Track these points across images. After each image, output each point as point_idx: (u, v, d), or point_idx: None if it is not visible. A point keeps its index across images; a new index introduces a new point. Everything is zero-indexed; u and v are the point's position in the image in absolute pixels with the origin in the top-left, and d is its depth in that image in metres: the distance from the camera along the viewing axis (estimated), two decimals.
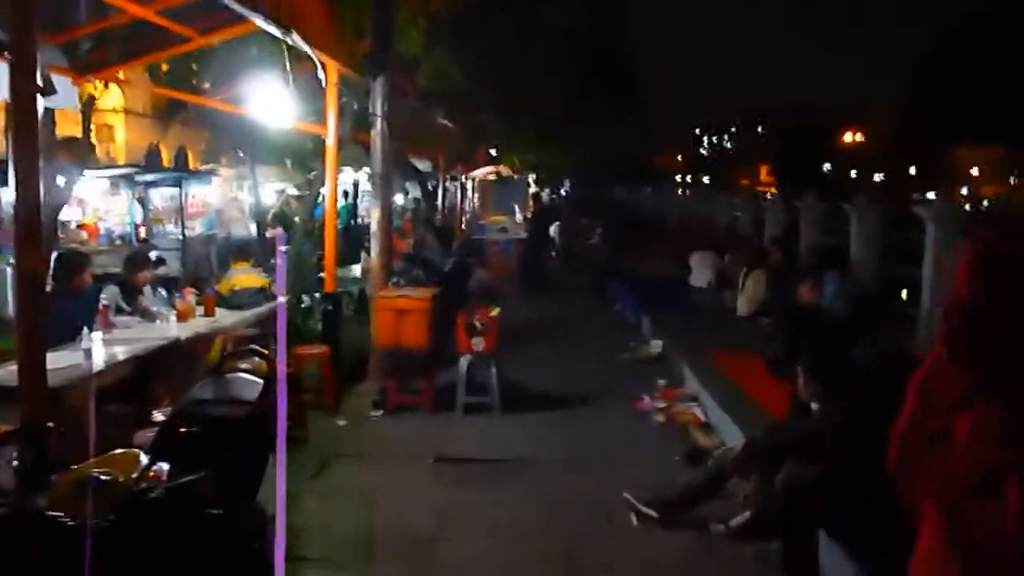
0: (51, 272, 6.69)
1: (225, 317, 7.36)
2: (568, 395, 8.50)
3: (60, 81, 8.19)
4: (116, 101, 31.86)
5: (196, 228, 16.31)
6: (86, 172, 12.51)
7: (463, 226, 18.09)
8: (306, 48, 6.45)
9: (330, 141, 8.15)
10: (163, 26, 7.12)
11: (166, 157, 28.13)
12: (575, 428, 7.51)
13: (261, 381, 4.24)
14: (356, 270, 11.82)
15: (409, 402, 7.86)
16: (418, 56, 10.57)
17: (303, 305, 9.70)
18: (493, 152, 20.46)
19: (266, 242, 14.56)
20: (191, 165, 26.59)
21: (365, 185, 16.52)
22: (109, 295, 7.12)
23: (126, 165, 13.97)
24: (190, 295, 7.30)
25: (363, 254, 11.81)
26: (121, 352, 5.72)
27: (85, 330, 5.19)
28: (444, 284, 9.81)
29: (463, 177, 19.95)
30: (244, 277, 7.96)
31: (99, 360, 5.48)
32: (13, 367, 3.80)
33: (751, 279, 11.37)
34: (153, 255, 13.10)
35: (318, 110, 8.32)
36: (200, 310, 7.32)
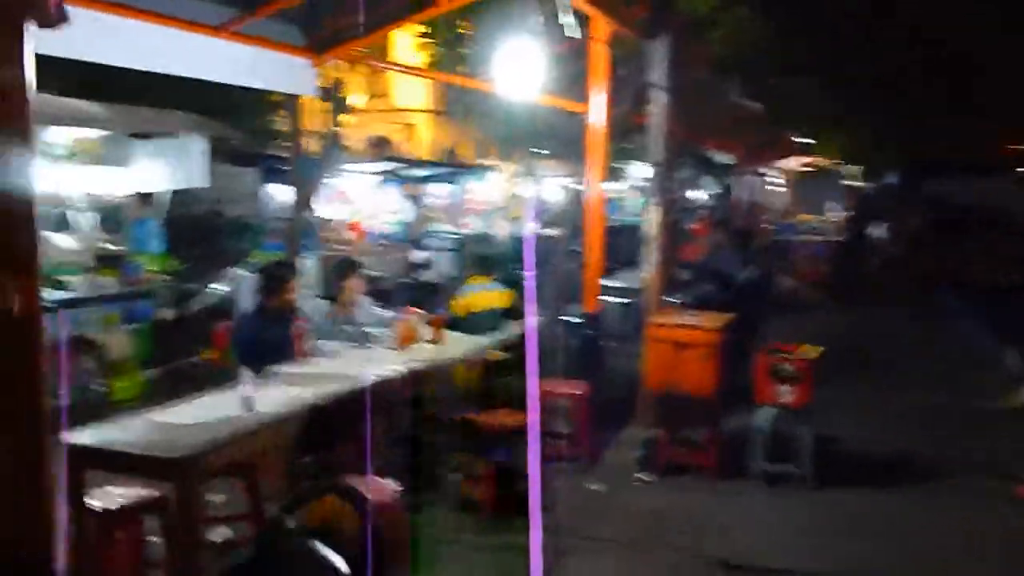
0: (257, 287, 5.57)
1: (455, 345, 5.87)
2: (909, 464, 6.16)
3: (298, 63, 7.22)
4: (419, 100, 32.79)
5: (472, 226, 15.37)
6: (346, 167, 11.88)
7: (765, 226, 15.74)
8: None
9: (595, 119, 6.42)
10: None
11: (467, 154, 27.98)
12: (923, 522, 5.21)
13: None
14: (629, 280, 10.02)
15: (687, 462, 5.95)
16: (710, 16, 8.52)
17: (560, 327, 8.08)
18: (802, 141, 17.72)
19: (544, 245, 13.25)
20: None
21: None
22: (313, 312, 5.88)
23: (393, 159, 13.18)
24: (413, 316, 5.86)
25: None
26: (294, 398, 4.33)
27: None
28: (739, 301, 7.72)
29: (766, 169, 17.47)
30: (482, 296, 6.41)
31: (267, 407, 4.11)
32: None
33: None
34: (421, 256, 12.31)
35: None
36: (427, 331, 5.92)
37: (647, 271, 6.80)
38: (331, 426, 4.83)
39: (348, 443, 5.08)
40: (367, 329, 5.81)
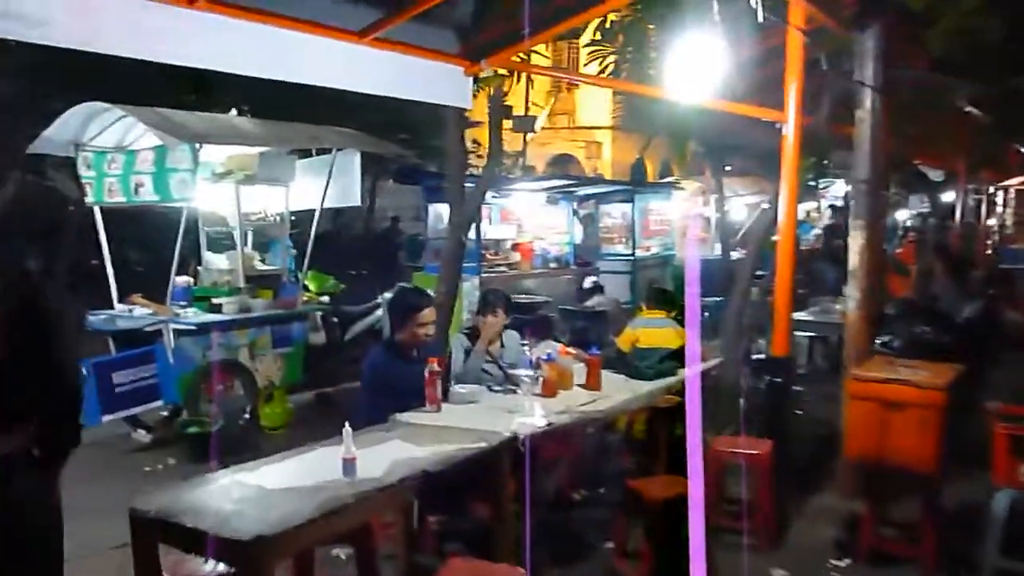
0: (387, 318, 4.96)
1: (615, 391, 5.00)
2: None
3: (450, 72, 6.61)
4: (603, 117, 32.10)
5: (652, 248, 14.39)
6: (513, 185, 11.24)
7: (986, 253, 13.81)
8: None
9: (789, 129, 5.40)
10: None
11: (651, 171, 26.93)
12: None
13: None
14: (825, 314, 8.76)
15: (897, 549, 4.80)
16: (930, 9, 7.21)
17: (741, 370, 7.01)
18: None
19: (725, 269, 12.10)
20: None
21: None
22: (454, 349, 5.20)
23: (564, 176, 12.46)
24: (565, 356, 5.05)
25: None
26: (408, 460, 3.59)
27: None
28: (961, 346, 6.40)
29: (990, 188, 15.42)
30: (653, 333, 5.51)
31: (372, 471, 3.41)
32: None
33: None
34: (589, 282, 11.49)
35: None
36: (580, 374, 5.09)
37: (847, 305, 5.68)
38: (454, 490, 4.11)
39: (475, 508, 4.36)
40: (513, 371, 5.05)
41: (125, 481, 6.26)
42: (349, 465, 3.37)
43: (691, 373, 4.79)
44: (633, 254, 13.10)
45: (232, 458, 4.67)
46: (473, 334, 5.38)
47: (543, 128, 28.02)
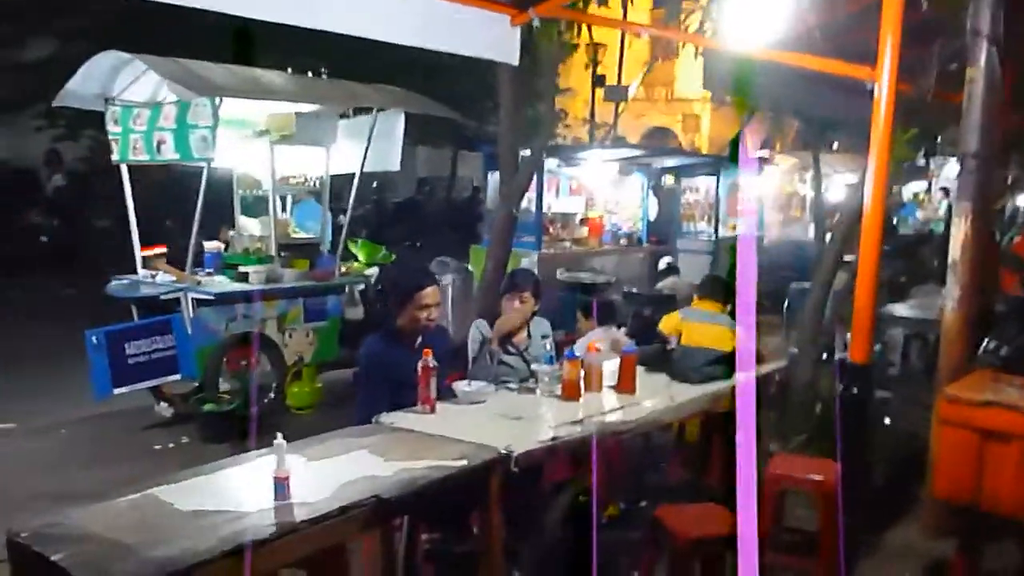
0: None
1: (651, 396, 4.22)
2: None
3: (494, 20, 5.88)
4: (698, 90, 30.72)
5: (738, 228, 13.35)
6: (585, 153, 10.37)
7: None
8: None
9: (882, 89, 4.47)
10: None
11: (751, 147, 25.50)
12: None
13: None
14: (920, 309, 7.68)
15: None
16: None
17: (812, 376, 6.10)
18: None
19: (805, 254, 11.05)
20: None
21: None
22: (472, 339, 4.51)
23: (637, 145, 11.53)
24: (597, 352, 4.27)
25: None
26: (365, 478, 2.91)
27: None
28: None
29: None
30: (704, 329, 4.67)
31: (312, 496, 2.75)
32: None
33: None
34: (663, 262, 10.59)
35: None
36: (611, 375, 4.32)
37: (946, 301, 4.71)
38: (426, 514, 3.43)
39: (457, 535, 3.67)
40: (537, 366, 4.32)
41: (127, 461, 5.85)
42: (280, 485, 2.71)
43: (744, 380, 3.99)
44: (716, 233, 12.11)
45: (247, 440, 4.18)
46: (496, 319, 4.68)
47: (638, 99, 26.93)
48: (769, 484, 4.17)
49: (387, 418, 3.65)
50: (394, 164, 7.55)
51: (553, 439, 3.43)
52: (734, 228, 13.26)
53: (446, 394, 3.99)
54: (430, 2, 5.31)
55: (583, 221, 10.64)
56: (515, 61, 6.01)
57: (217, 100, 6.13)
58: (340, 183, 8.06)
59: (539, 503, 3.78)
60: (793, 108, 10.57)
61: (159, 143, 6.52)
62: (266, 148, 7.09)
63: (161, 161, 6.65)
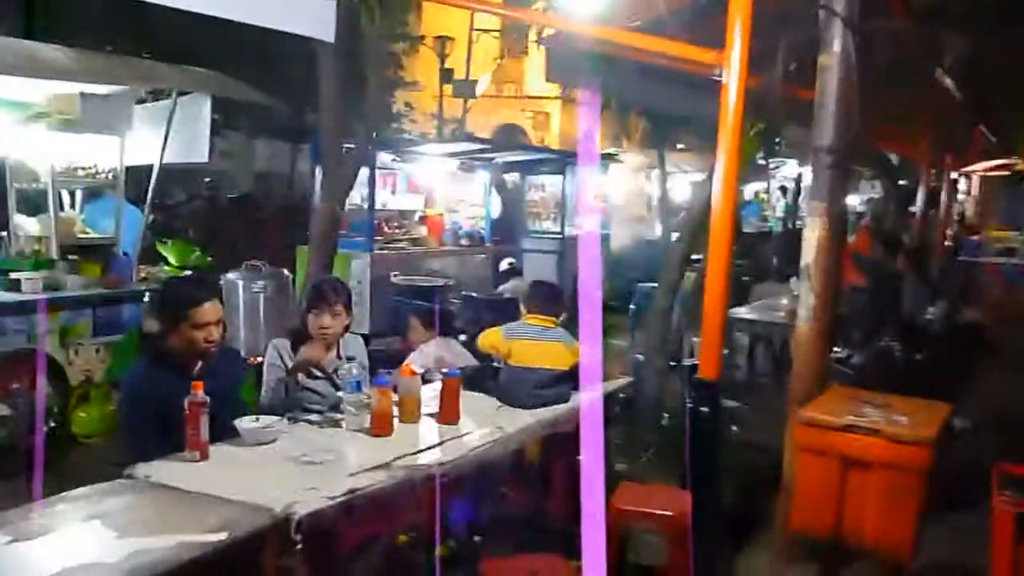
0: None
1: (480, 425, 3.63)
2: None
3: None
4: (549, 87, 30.53)
5: (583, 228, 13.04)
6: (421, 148, 9.71)
7: (945, 243, 12.67)
8: None
9: (730, 78, 4.05)
10: None
11: (601, 147, 25.44)
12: None
13: None
14: (766, 311, 7.44)
15: None
16: None
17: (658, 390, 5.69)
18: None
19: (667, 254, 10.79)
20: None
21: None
22: (270, 359, 3.81)
23: (476, 139, 10.95)
24: (411, 376, 3.64)
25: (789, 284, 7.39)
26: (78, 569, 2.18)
27: None
28: (934, 360, 5.17)
29: (952, 174, 14.28)
30: (536, 347, 4.11)
31: None
32: None
33: None
34: (505, 263, 10.08)
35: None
36: (433, 400, 3.70)
37: (798, 313, 4.33)
38: None
39: None
40: (344, 395, 3.64)
41: None
42: None
43: (588, 402, 3.47)
44: (562, 232, 11.71)
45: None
46: (302, 341, 3.97)
47: (488, 96, 26.52)
48: (616, 520, 3.67)
49: (144, 469, 2.90)
50: (200, 155, 6.67)
51: (350, 492, 2.78)
52: (580, 227, 12.95)
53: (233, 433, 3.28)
54: None
55: (422, 220, 9.97)
56: (330, 37, 5.25)
57: None
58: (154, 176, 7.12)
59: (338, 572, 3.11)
60: (638, 102, 10.31)
61: None
62: (45, 134, 6.10)
63: None
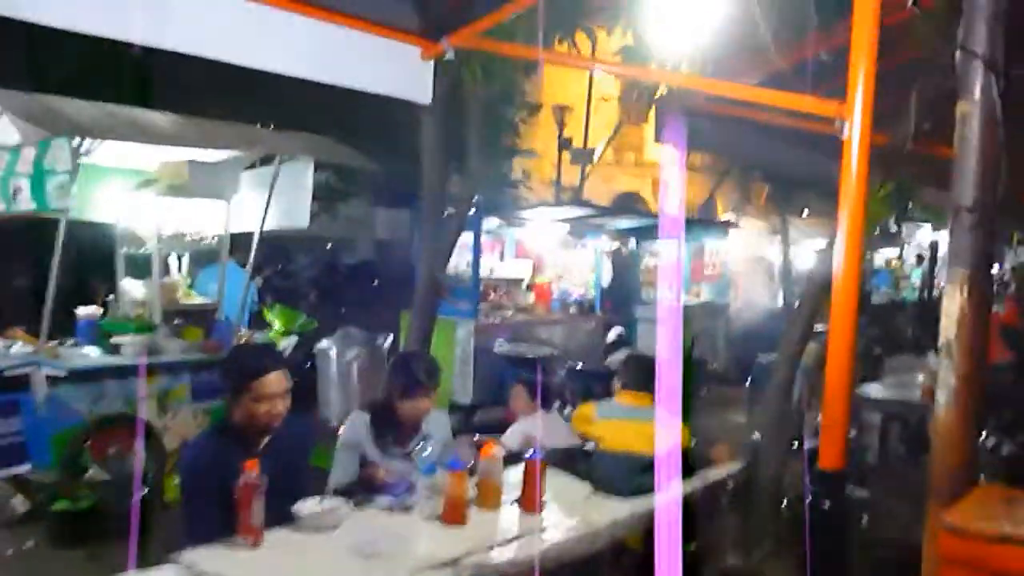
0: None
1: (569, 515, 3.24)
2: None
3: (402, 53, 5.05)
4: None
5: (703, 295, 12.54)
6: (527, 214, 9.46)
7: None
8: None
9: (853, 131, 3.64)
10: None
11: (721, 212, 24.82)
12: None
13: None
14: (898, 389, 6.76)
15: None
16: None
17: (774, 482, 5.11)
18: None
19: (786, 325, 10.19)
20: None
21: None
22: (346, 438, 3.55)
23: (585, 203, 10.61)
24: (492, 459, 3.30)
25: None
26: None
27: None
28: None
29: None
30: (631, 429, 3.72)
31: None
32: None
33: None
34: (613, 333, 9.65)
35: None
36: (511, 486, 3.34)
37: (939, 393, 3.78)
38: None
39: None
40: (417, 478, 3.34)
41: None
42: None
43: (665, 503, 3.05)
44: (680, 301, 11.21)
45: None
46: (382, 416, 3.70)
47: (606, 163, 26.37)
48: None
49: (192, 555, 2.66)
50: (302, 220, 6.62)
51: None
52: (698, 295, 12.47)
53: None
54: (326, 29, 4.50)
55: (529, 287, 9.71)
56: (426, 99, 5.16)
57: (78, 141, 5.20)
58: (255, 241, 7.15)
59: None
60: (756, 163, 9.86)
61: (15, 190, 5.58)
62: (153, 200, 6.17)
63: (16, 212, 5.69)
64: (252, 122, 6.58)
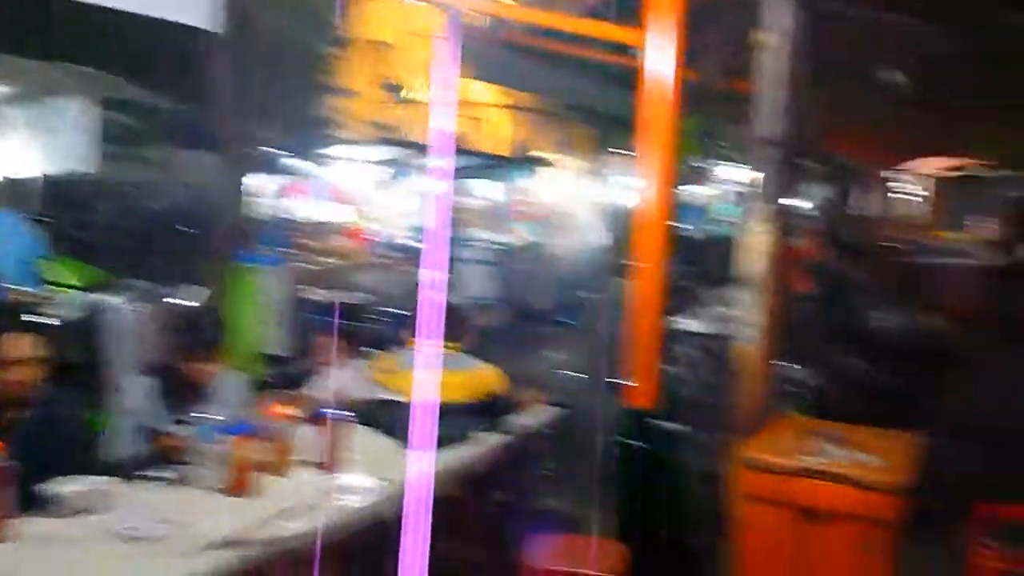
0: None
1: (375, 472, 3.02)
2: None
3: None
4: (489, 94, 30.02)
5: (524, 234, 12.48)
6: (342, 153, 9.03)
7: (892, 246, 12.35)
8: None
9: (657, 73, 3.52)
10: None
11: (540, 151, 24.80)
12: None
13: None
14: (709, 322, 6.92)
15: None
16: None
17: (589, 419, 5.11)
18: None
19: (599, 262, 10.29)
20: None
21: None
22: (133, 399, 3.19)
23: (403, 143, 10.25)
24: (279, 413, 3.02)
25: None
26: None
27: None
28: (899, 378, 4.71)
29: (899, 174, 13.96)
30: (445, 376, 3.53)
31: None
32: None
33: None
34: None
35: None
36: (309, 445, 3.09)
37: (741, 329, 3.80)
38: None
39: None
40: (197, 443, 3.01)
41: None
42: None
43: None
44: (499, 241, 11.12)
45: None
46: (167, 380, 3.34)
47: (427, 103, 25.87)
48: None
49: None
50: (87, 163, 5.96)
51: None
52: (520, 235, 12.42)
53: None
54: None
55: (341, 230, 9.29)
56: (215, 26, 4.67)
57: None
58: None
59: None
60: (575, 102, 9.80)
61: None
62: None
63: None
64: (17, 54, 5.80)
